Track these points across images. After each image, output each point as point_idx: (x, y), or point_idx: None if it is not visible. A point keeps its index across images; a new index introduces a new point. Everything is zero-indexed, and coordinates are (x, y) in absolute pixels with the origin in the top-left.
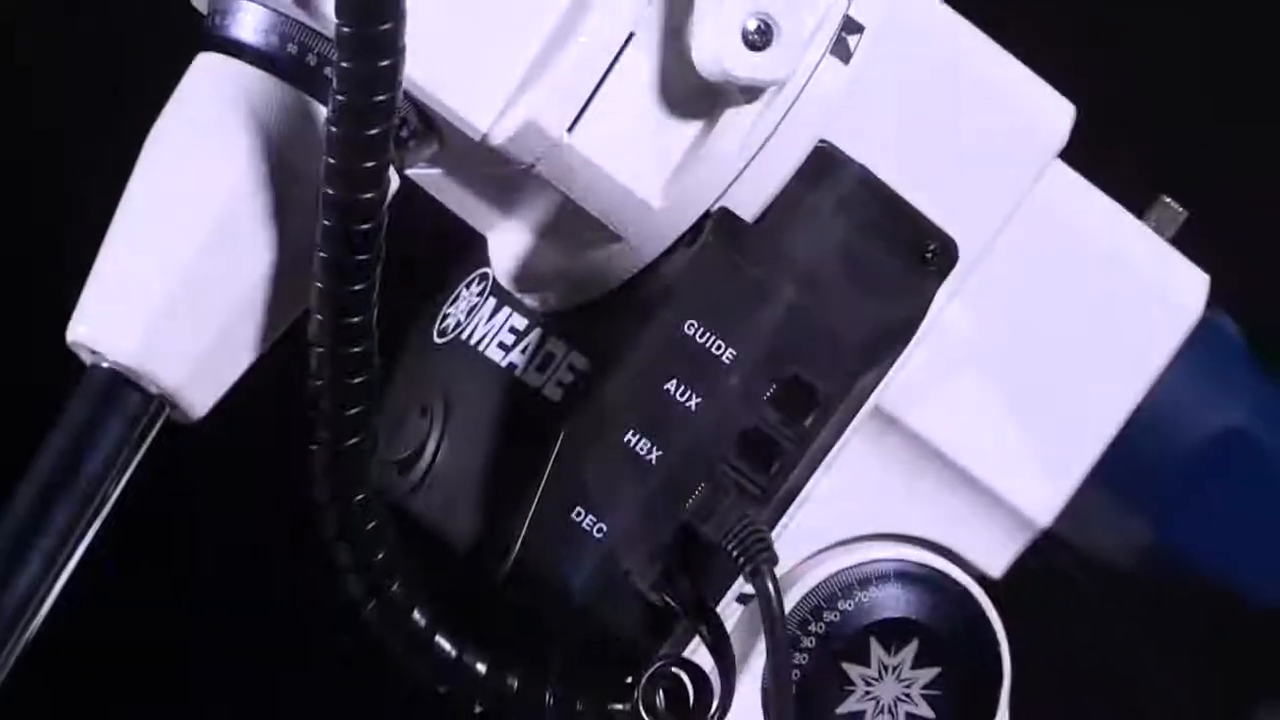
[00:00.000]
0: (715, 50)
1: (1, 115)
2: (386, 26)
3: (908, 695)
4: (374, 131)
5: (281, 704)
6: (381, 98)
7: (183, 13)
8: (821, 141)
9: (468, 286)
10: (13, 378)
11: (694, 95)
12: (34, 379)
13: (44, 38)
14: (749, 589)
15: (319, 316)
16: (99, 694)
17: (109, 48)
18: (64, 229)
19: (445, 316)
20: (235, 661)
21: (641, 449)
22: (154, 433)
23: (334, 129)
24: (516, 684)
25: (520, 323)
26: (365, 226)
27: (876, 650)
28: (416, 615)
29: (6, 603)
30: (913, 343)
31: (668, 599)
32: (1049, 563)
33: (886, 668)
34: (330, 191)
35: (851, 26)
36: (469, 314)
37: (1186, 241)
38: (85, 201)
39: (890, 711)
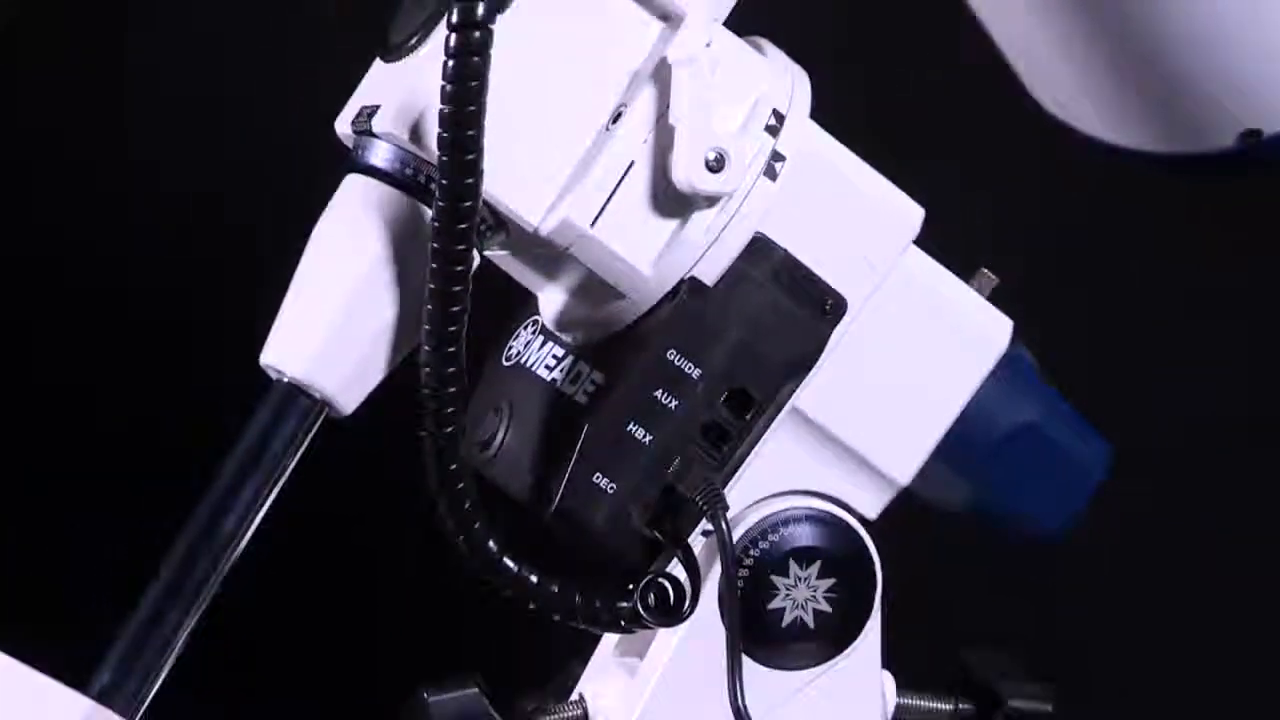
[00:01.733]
0: (687, 173)
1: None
2: (470, 157)
3: (814, 596)
4: (463, 226)
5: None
6: (468, 204)
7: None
8: (757, 232)
9: (524, 328)
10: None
11: (674, 202)
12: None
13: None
14: (710, 527)
15: (427, 348)
16: None
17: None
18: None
19: (510, 348)
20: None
21: (639, 435)
22: (317, 425)
23: (437, 224)
24: (556, 589)
25: (559, 352)
26: (458, 289)
27: (794, 567)
28: (491, 544)
29: (219, 537)
30: (816, 365)
31: (656, 533)
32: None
33: (800, 579)
34: (435, 266)
35: (777, 157)
36: (525, 346)
37: (998, 299)
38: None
39: (802, 608)
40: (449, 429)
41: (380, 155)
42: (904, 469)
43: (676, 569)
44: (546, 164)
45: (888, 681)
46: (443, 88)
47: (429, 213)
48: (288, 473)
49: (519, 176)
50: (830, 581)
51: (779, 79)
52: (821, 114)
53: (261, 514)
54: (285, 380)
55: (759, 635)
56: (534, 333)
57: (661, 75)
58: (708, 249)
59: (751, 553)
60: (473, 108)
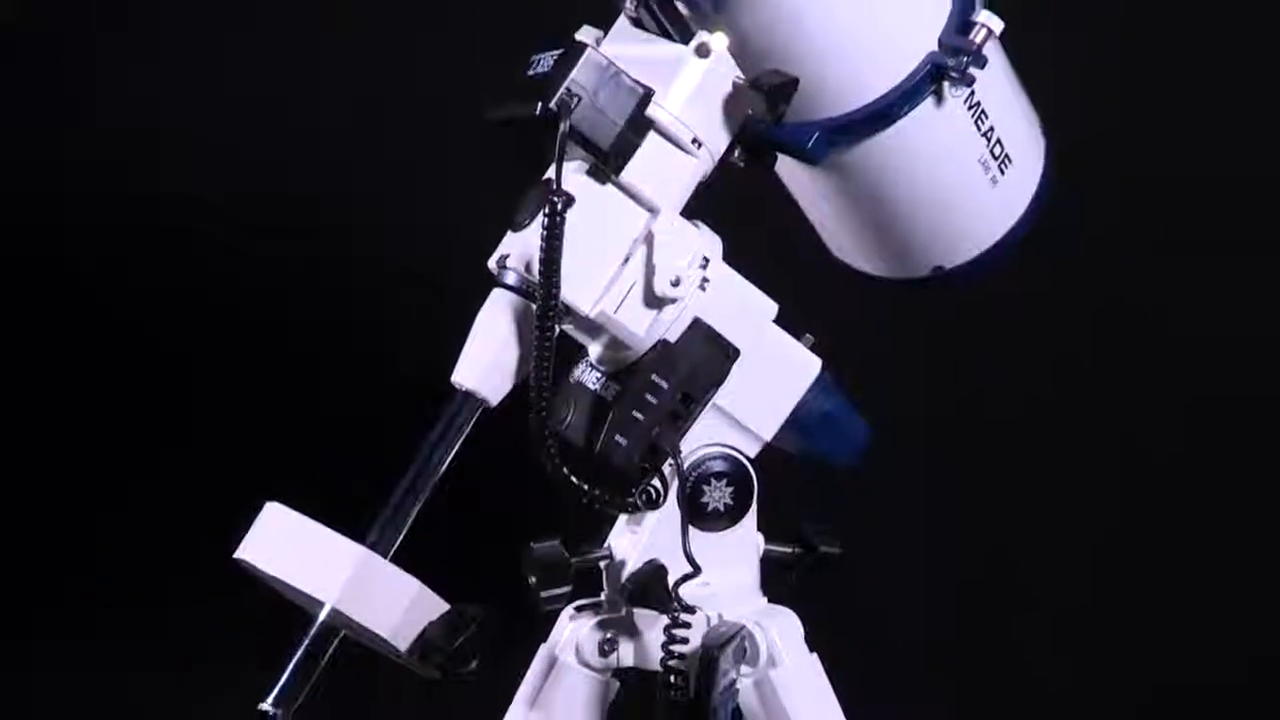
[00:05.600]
0: (661, 288)
1: None
2: (555, 278)
3: (723, 495)
4: (551, 314)
5: None
6: (554, 302)
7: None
8: (696, 316)
9: (581, 362)
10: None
11: (655, 302)
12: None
13: None
14: (673, 462)
15: (533, 373)
16: None
17: None
18: None
19: (573, 372)
20: None
21: (638, 415)
22: (479, 413)
23: (537, 312)
24: (598, 491)
25: (599, 375)
26: (548, 344)
27: (713, 481)
28: (565, 469)
29: (430, 467)
30: (724, 381)
31: (646, 465)
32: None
33: (716, 486)
34: (536, 333)
35: (706, 279)
36: (581, 372)
37: (818, 349)
38: None
39: (718, 502)
40: (544, 413)
41: (510, 279)
42: (768, 431)
43: (656, 483)
44: (591, 283)
45: (760, 537)
46: (541, 245)
47: (534, 307)
48: (464, 436)
49: (579, 289)
50: (731, 489)
51: (707, 239)
52: (731, 256)
53: (450, 456)
54: (464, 388)
55: (696, 515)
56: (586, 365)
57: (649, 239)
58: (671, 324)
59: (692, 475)
60: (556, 255)
